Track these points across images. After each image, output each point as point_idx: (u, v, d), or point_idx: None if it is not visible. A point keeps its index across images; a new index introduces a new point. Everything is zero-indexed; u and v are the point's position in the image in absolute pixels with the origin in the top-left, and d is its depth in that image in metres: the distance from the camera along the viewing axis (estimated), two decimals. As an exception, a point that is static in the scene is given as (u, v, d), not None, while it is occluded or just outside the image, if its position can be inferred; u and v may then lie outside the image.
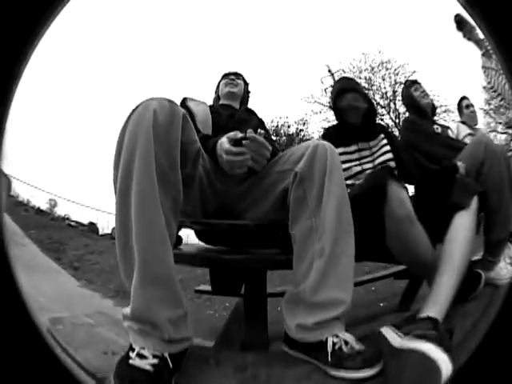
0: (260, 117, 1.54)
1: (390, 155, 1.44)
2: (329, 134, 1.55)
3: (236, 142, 0.93)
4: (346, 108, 1.47)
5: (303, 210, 0.85)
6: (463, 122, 2.40)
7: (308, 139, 12.97)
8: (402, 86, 2.04)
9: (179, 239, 1.15)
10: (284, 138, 12.95)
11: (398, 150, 1.47)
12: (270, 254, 1.10)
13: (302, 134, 13.05)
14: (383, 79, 12.39)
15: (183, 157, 0.80)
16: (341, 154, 1.43)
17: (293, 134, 12.98)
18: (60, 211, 11.75)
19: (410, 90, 1.87)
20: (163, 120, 0.74)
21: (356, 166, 1.42)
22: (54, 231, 7.15)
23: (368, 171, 1.40)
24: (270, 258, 1.06)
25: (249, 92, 1.66)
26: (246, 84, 1.63)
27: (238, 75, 1.59)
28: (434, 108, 1.91)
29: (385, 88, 12.43)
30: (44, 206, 11.53)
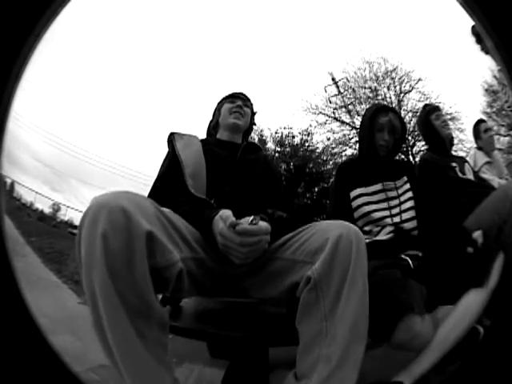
0: (266, 153, 1.35)
1: (412, 202, 1.34)
2: (347, 168, 1.42)
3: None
4: (385, 125, 1.36)
5: (314, 313, 0.75)
6: (480, 148, 2.33)
7: (313, 150, 12.95)
8: (421, 110, 1.93)
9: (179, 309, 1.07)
10: (288, 148, 12.88)
11: (419, 197, 1.38)
12: (271, 327, 1.01)
13: (307, 144, 12.97)
14: (388, 88, 12.31)
15: (161, 284, 0.70)
16: (361, 195, 1.34)
17: (297, 144, 12.92)
18: (63, 216, 11.70)
19: (431, 118, 1.75)
20: (119, 249, 0.60)
21: (378, 210, 1.30)
22: (55, 240, 7.08)
23: (387, 220, 1.27)
24: (272, 335, 0.97)
25: (254, 123, 1.43)
26: (253, 113, 1.39)
27: (245, 100, 1.33)
28: (452, 139, 1.80)
29: (390, 98, 12.33)
30: (47, 210, 11.48)
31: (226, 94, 1.38)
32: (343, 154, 12.54)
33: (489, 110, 10.69)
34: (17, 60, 0.42)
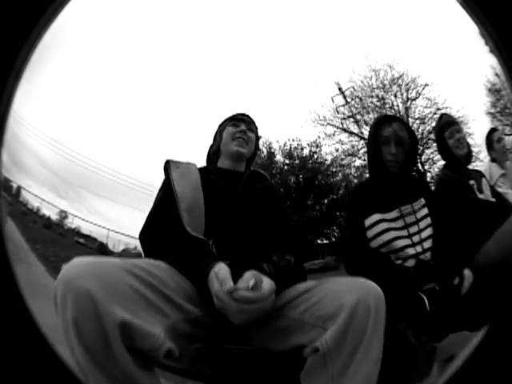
0: (271, 182, 1.22)
1: (431, 230, 1.20)
2: (358, 193, 1.27)
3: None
4: (390, 137, 1.22)
5: (321, 375, 0.68)
6: (494, 160, 2.20)
7: (322, 161, 12.90)
8: (436, 122, 1.79)
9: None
10: (297, 161, 12.86)
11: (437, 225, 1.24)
12: (274, 371, 0.90)
13: (316, 156, 12.94)
14: (395, 96, 12.09)
15: (146, 363, 0.66)
16: (380, 221, 1.19)
17: (306, 156, 12.90)
18: (69, 224, 11.74)
19: (444, 135, 1.59)
20: (92, 336, 0.58)
21: (400, 238, 1.17)
22: (61, 248, 7.10)
23: (409, 250, 1.16)
24: (273, 381, 0.87)
25: (259, 149, 1.29)
26: (258, 138, 1.24)
27: (250, 124, 1.18)
28: (470, 155, 1.63)
29: (397, 106, 12.06)
30: (53, 217, 11.48)
31: (229, 114, 1.23)
32: (352, 165, 12.43)
33: (493, 111, 10.55)
34: (17, 60, 0.41)
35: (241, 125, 1.15)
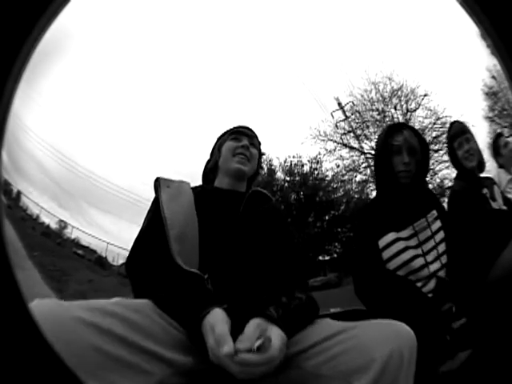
0: (275, 203, 1.09)
1: (445, 245, 1.15)
2: (369, 211, 1.21)
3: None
4: (401, 145, 1.16)
5: None
6: (502, 166, 2.17)
7: (322, 178, 12.91)
8: (447, 132, 1.76)
9: None
10: (298, 177, 12.89)
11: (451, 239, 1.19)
12: None
13: (317, 172, 12.97)
14: (395, 108, 11.87)
15: None
16: (396, 240, 1.12)
17: (307, 173, 12.93)
18: (68, 234, 11.57)
19: (454, 145, 1.55)
20: None
21: (418, 256, 1.11)
22: (59, 258, 7.03)
23: (426, 270, 1.11)
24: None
25: (261, 167, 1.18)
26: (261, 154, 1.11)
27: (252, 138, 1.05)
28: (481, 164, 1.59)
29: (397, 118, 11.70)
30: (53, 225, 11.29)
31: (229, 127, 1.11)
32: (353, 180, 12.38)
33: (491, 114, 10.34)
34: (16, 60, 0.40)
35: (243, 139, 1.02)
